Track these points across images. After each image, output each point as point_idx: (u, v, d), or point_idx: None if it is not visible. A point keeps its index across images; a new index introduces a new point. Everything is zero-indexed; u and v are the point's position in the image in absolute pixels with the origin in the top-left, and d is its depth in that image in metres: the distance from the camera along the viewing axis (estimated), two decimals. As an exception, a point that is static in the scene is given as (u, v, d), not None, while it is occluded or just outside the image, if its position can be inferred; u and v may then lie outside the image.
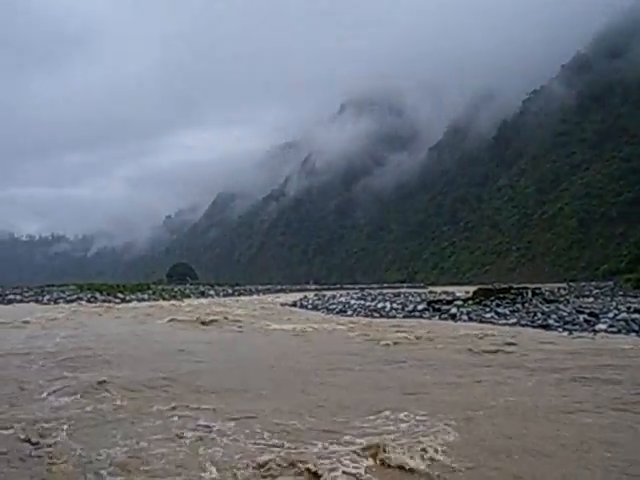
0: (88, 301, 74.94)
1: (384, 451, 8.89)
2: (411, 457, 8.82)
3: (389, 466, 8.64)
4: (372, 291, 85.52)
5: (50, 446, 9.78)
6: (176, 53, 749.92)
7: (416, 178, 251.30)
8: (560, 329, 28.21)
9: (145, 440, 9.89)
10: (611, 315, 30.41)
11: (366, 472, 8.30)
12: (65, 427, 10.79)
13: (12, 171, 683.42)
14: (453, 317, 36.62)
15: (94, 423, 11.22)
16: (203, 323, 36.80)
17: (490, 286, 51.07)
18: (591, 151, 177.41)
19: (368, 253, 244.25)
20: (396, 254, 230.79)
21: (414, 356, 19.92)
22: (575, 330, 27.38)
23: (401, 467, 8.57)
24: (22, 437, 10.31)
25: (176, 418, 11.45)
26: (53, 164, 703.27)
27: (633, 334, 25.20)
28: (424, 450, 9.11)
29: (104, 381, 15.03)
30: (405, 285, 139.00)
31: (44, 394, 13.76)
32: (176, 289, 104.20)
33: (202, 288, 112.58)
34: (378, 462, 8.74)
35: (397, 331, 28.58)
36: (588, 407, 12.02)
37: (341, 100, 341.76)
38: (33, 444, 9.90)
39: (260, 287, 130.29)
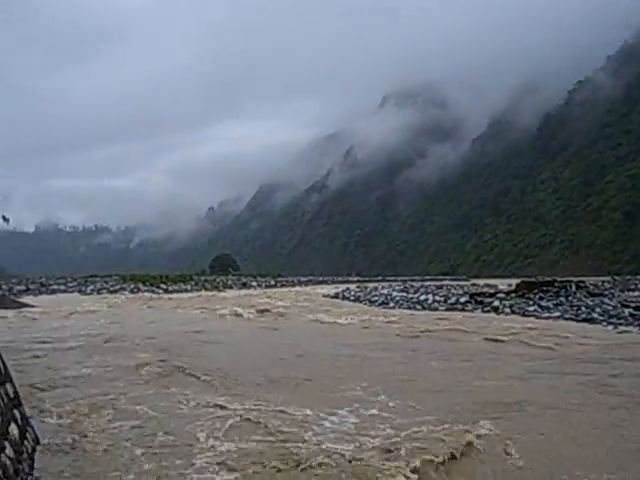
0: (131, 291, 76.12)
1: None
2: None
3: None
4: (414, 283, 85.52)
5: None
6: (215, 46, 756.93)
7: (459, 170, 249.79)
8: (605, 323, 28.27)
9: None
10: (658, 308, 30.27)
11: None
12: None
13: (55, 163, 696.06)
14: (496, 310, 36.76)
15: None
16: (250, 314, 37.23)
17: (533, 279, 50.92)
18: (637, 142, 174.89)
19: (410, 245, 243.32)
20: (438, 246, 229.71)
21: (462, 348, 20.07)
22: (620, 324, 27.39)
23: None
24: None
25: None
26: (95, 156, 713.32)
27: (681, 328, 25.13)
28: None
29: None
30: (447, 277, 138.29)
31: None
32: (218, 280, 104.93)
33: (244, 279, 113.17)
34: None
35: (442, 323, 28.74)
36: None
37: (383, 92, 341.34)
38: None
39: (302, 278, 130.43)
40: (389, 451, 9.05)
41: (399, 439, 9.63)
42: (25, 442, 8.29)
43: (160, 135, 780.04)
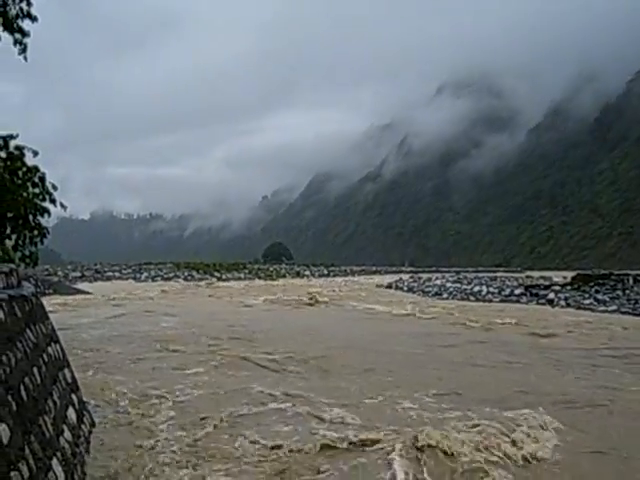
0: (185, 279, 76.94)
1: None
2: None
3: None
4: (468, 274, 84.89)
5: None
6: (272, 36, 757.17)
7: (514, 160, 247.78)
8: (663, 317, 27.93)
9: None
10: None
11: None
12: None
13: (111, 152, 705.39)
14: (551, 303, 36.57)
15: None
16: (307, 303, 37.53)
17: (589, 272, 50.39)
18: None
19: (464, 236, 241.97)
20: (492, 237, 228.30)
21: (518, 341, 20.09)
22: (679, 318, 27.07)
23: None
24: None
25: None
26: (151, 145, 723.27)
27: None
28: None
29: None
30: (501, 269, 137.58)
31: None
32: (272, 269, 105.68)
33: (297, 268, 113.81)
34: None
35: (497, 315, 28.70)
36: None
37: (438, 82, 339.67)
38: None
39: (355, 268, 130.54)
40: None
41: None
42: (82, 426, 8.57)
43: (216, 124, 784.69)
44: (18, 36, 10.60)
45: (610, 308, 32.50)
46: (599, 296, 36.58)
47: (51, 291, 45.62)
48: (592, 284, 40.22)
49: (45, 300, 10.04)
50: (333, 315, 31.69)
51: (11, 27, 10.56)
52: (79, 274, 76.53)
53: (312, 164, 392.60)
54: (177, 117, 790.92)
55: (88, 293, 47.16)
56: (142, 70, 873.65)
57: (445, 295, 46.26)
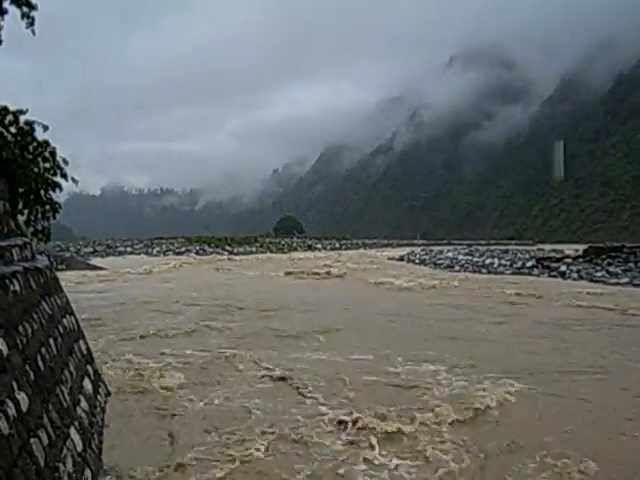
0: (197, 253, 77.22)
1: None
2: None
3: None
4: (479, 247, 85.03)
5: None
6: (282, 9, 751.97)
7: (526, 132, 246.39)
8: (676, 290, 27.96)
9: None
10: None
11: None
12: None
13: (120, 127, 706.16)
14: (562, 275, 36.62)
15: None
16: (321, 276, 37.68)
17: (601, 245, 50.25)
18: None
19: (475, 209, 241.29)
20: (504, 210, 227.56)
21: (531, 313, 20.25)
22: (692, 291, 27.11)
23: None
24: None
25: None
26: (160, 119, 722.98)
27: None
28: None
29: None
30: (513, 242, 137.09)
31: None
32: (283, 242, 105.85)
33: (309, 242, 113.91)
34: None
35: (508, 287, 28.84)
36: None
37: (450, 53, 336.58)
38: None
39: (367, 241, 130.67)
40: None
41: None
42: (98, 396, 8.72)
43: (226, 98, 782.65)
44: (25, 9, 10.57)
45: (622, 281, 32.53)
46: (611, 269, 36.60)
47: (64, 266, 45.76)
48: (604, 257, 40.20)
49: (58, 275, 10.12)
50: (349, 287, 31.89)
51: (18, 0, 10.55)
52: (91, 249, 76.81)
53: (323, 137, 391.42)
54: (188, 91, 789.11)
55: (101, 268, 47.36)
56: (154, 45, 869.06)
57: (457, 268, 46.37)
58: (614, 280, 33.04)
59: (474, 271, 43.20)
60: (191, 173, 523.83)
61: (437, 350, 14.25)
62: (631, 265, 37.17)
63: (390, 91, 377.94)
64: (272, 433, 8.43)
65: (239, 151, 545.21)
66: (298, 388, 10.89)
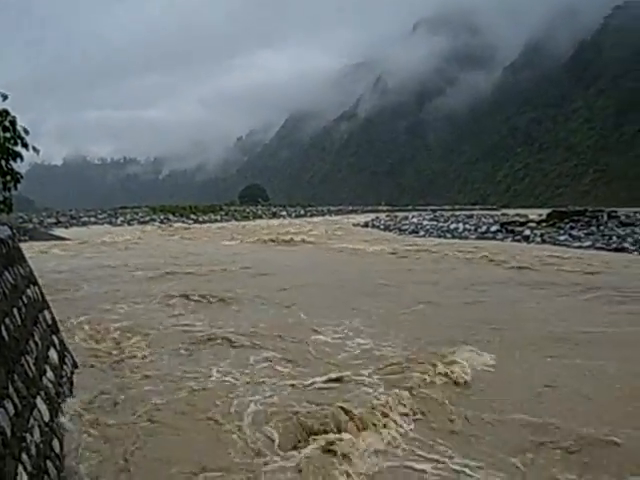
0: (161, 222, 76.71)
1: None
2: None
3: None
4: (444, 212, 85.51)
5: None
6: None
7: (490, 98, 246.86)
8: (636, 252, 28.28)
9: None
10: (689, 237, 30.32)
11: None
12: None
13: (82, 95, 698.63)
14: (526, 239, 37.00)
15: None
16: (284, 242, 37.60)
17: (564, 209, 50.72)
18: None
19: (440, 175, 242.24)
20: (468, 176, 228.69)
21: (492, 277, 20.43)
22: (653, 253, 27.45)
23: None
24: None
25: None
26: (124, 87, 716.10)
27: None
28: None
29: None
30: (477, 207, 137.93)
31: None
32: (248, 210, 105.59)
33: (274, 209, 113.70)
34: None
35: (472, 251, 29.02)
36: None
37: (414, 19, 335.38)
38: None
39: (332, 208, 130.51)
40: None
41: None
42: (64, 366, 8.64)
43: (190, 65, 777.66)
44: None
45: (585, 244, 32.93)
46: (574, 232, 37.09)
47: (27, 238, 45.07)
48: (567, 221, 40.83)
49: (22, 246, 9.97)
50: (311, 254, 31.84)
51: None
52: (54, 220, 75.52)
53: (287, 104, 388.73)
54: (153, 59, 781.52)
55: (65, 239, 46.80)
56: (119, 12, 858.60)
57: (422, 233, 46.64)
58: (577, 243, 33.42)
59: (439, 236, 43.50)
60: (155, 141, 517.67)
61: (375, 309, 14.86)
62: (593, 229, 37.74)
63: (355, 57, 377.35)
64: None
65: (204, 118, 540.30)
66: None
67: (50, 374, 7.24)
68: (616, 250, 30.13)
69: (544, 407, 8.16)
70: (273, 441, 6.90)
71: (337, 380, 8.95)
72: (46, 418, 6.02)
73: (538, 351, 10.86)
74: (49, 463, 5.58)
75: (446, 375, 9.21)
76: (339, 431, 7.10)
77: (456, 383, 9.07)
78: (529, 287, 18.36)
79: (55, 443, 6.06)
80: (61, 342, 9.30)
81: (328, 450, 6.55)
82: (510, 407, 8.13)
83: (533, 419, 7.68)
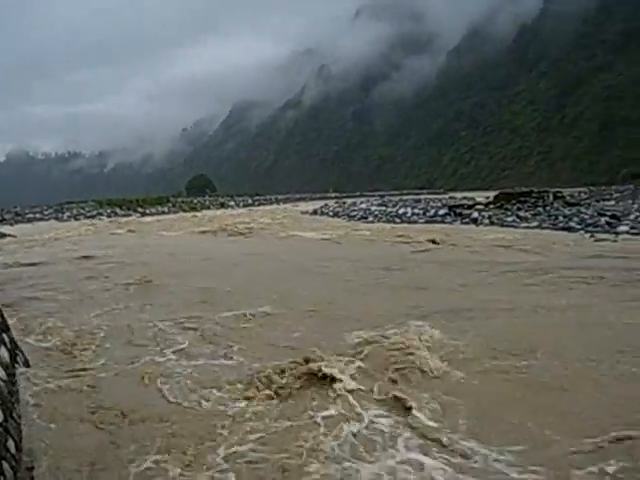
0: (108, 216, 75.64)
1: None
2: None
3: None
4: (392, 198, 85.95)
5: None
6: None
7: (434, 83, 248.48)
8: (582, 231, 28.56)
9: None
10: (632, 217, 30.83)
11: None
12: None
13: (25, 89, 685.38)
14: (475, 221, 37.01)
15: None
16: (233, 233, 37.22)
17: (510, 190, 51.21)
18: (613, 53, 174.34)
19: (387, 160, 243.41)
20: (415, 160, 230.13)
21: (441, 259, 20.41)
22: (597, 232, 27.73)
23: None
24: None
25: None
26: (67, 81, 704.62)
27: (656, 235, 25.51)
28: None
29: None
30: (425, 191, 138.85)
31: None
32: (195, 201, 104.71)
33: (222, 199, 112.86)
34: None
35: (421, 235, 29.02)
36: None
37: (357, 5, 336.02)
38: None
39: (280, 196, 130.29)
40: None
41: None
42: (16, 365, 8.41)
43: (133, 57, 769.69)
44: None
45: (532, 224, 33.06)
46: (521, 213, 37.23)
47: (-31, 236, 44.16)
48: (514, 202, 40.97)
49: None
50: (259, 242, 31.56)
51: None
52: (-1, 217, 74.46)
53: (232, 93, 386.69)
54: (96, 52, 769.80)
55: (12, 236, 45.93)
56: (60, 5, 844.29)
57: (371, 218, 46.43)
58: (524, 224, 33.49)
59: (388, 221, 43.29)
60: (99, 135, 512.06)
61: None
62: (540, 209, 38.05)
63: (299, 45, 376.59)
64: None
65: (148, 110, 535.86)
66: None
67: (1, 373, 7.14)
68: (563, 229, 30.40)
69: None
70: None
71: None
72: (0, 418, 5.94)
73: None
74: (5, 464, 5.44)
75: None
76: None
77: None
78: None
79: (10, 444, 5.91)
80: (11, 340, 9.07)
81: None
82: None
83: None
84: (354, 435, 6.42)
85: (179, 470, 5.81)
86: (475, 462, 5.76)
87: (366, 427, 6.61)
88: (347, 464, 5.80)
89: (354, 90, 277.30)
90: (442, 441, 6.16)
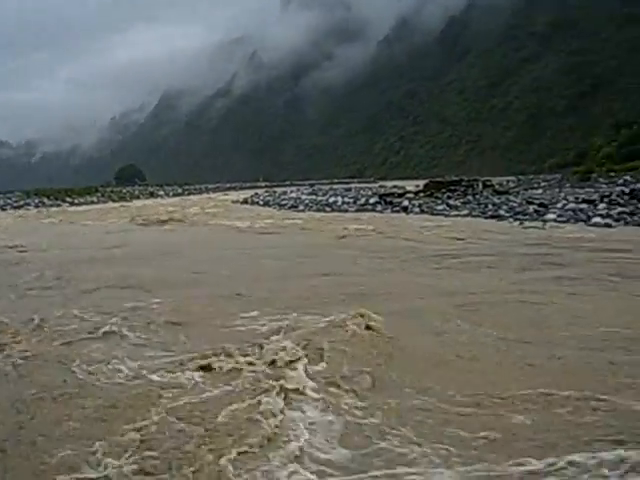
0: (36, 206, 74.10)
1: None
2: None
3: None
4: (323, 186, 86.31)
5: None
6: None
7: (365, 72, 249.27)
8: (511, 219, 28.69)
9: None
10: (560, 205, 31.16)
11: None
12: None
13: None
14: (405, 210, 36.96)
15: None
16: (160, 222, 36.52)
17: (441, 179, 51.47)
18: (541, 44, 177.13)
19: (318, 149, 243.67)
20: (346, 149, 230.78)
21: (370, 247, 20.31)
22: (526, 220, 27.86)
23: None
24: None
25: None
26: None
27: (581, 223, 25.73)
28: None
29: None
30: (355, 180, 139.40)
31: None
32: (125, 191, 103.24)
33: (151, 189, 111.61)
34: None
35: (350, 223, 28.85)
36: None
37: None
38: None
39: (210, 186, 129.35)
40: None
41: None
42: None
43: (62, 44, 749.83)
44: None
45: (462, 212, 33.18)
46: (451, 202, 37.49)
47: None
48: (444, 191, 41.61)
49: None
50: (186, 232, 31.05)
51: None
52: None
53: (162, 82, 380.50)
54: (23, 38, 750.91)
55: None
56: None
57: (301, 207, 46.16)
58: (454, 212, 33.60)
59: (318, 210, 43.04)
60: (26, 124, 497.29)
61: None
62: (469, 198, 38.37)
63: (230, 32, 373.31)
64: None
65: (76, 99, 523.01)
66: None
67: None
68: (492, 217, 30.51)
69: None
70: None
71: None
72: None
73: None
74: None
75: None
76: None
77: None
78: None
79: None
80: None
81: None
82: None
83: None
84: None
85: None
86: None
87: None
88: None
89: (285, 78, 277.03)
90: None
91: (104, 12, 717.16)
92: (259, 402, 6.48)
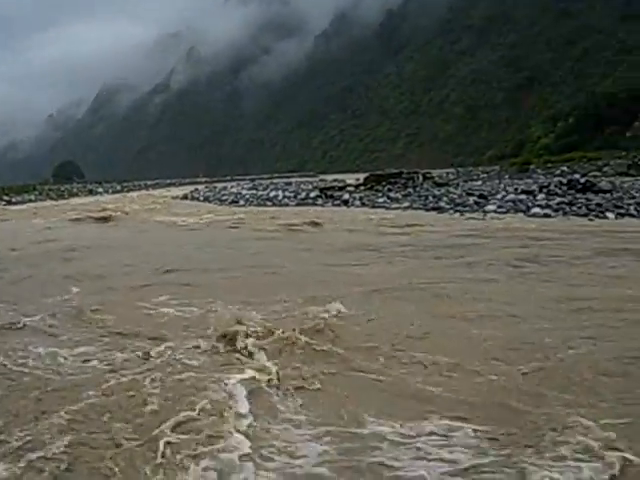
0: (-29, 205, 72.62)
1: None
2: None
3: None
4: (263, 181, 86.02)
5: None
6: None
7: (303, 67, 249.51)
8: (452, 211, 28.76)
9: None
10: (499, 197, 31.36)
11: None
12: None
13: None
14: (346, 203, 36.81)
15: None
16: (98, 219, 35.89)
17: (381, 172, 51.50)
18: (478, 38, 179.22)
19: (257, 144, 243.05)
20: (285, 144, 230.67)
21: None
22: (466, 212, 27.94)
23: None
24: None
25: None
26: None
27: (521, 214, 25.89)
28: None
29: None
30: (295, 174, 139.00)
31: None
32: (63, 188, 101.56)
33: (90, 186, 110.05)
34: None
35: (291, 217, 28.72)
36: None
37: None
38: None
39: (149, 182, 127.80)
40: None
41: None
42: None
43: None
44: None
45: (403, 205, 33.02)
46: (392, 194, 37.41)
47: None
48: (384, 184, 41.53)
49: None
50: (126, 229, 30.61)
51: None
52: None
53: (98, 77, 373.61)
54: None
55: None
56: None
57: (242, 202, 45.71)
58: (395, 205, 33.42)
59: (259, 205, 42.65)
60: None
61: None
62: (410, 190, 38.36)
63: (167, 27, 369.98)
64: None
65: (11, 95, 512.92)
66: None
67: None
68: (433, 209, 30.51)
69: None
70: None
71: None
72: None
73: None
74: None
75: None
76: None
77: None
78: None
79: None
80: None
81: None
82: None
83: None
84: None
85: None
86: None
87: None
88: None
89: (224, 73, 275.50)
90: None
91: (40, 8, 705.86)
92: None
